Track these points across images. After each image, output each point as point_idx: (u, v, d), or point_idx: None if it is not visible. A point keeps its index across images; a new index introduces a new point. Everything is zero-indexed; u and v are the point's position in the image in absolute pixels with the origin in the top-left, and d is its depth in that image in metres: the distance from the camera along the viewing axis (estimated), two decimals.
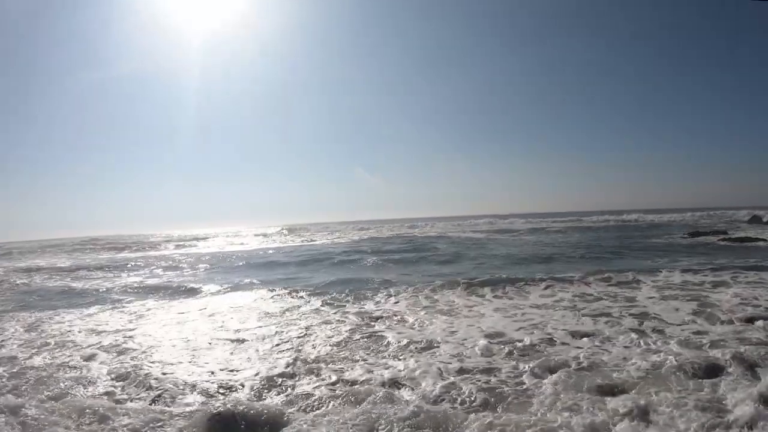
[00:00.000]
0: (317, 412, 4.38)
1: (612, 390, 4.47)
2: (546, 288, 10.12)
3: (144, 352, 6.56)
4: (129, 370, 5.71)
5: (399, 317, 8.17)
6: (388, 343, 6.59)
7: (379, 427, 3.92)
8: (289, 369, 5.58)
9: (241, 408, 4.35)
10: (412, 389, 4.86)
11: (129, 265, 20.70)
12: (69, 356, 6.46)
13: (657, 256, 15.72)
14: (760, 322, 6.55)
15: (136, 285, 13.82)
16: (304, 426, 4.05)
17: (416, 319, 7.91)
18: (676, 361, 5.03)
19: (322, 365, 5.71)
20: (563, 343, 6.23)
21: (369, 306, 9.20)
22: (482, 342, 6.36)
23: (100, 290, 13.06)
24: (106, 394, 5.03)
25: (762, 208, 35.07)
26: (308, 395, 4.79)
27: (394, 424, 3.94)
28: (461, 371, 5.28)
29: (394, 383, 5.04)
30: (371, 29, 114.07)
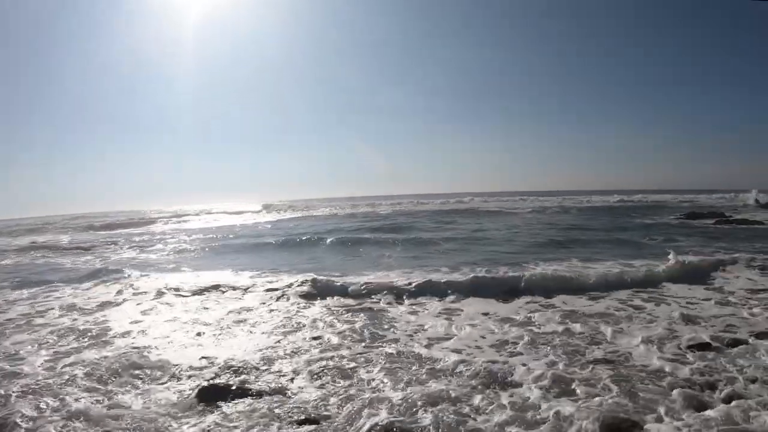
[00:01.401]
0: (301, 385, 4.49)
1: None
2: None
3: (130, 331, 6.58)
4: (124, 350, 5.80)
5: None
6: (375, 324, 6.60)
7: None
8: (274, 349, 5.60)
9: (228, 380, 4.58)
10: None
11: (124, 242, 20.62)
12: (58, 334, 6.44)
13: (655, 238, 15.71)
14: None
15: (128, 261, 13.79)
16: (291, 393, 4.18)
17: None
18: None
19: (304, 347, 5.73)
20: None
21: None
22: None
23: (90, 267, 13.13)
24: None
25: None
26: (294, 371, 4.86)
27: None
28: None
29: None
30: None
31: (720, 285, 8.20)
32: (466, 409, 3.81)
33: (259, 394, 4.27)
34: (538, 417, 3.67)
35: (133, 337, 6.21)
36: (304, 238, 18.27)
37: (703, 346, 5.11)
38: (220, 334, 6.27)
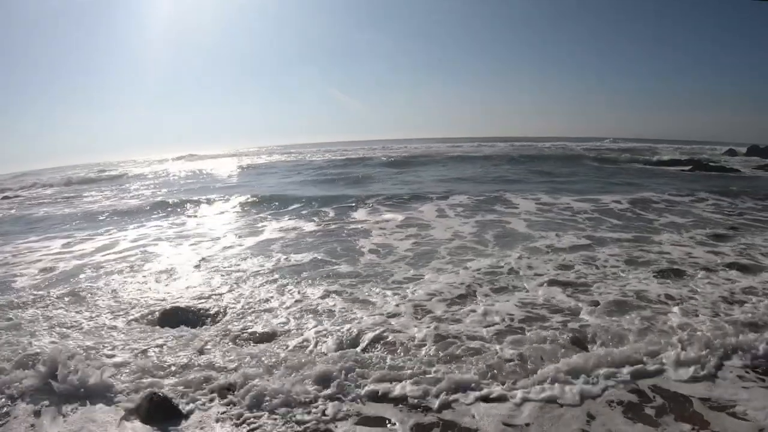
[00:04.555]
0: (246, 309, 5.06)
1: None
2: None
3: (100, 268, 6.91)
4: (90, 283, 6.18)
5: None
6: None
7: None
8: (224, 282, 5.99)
9: (187, 304, 5.19)
10: None
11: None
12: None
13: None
14: None
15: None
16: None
17: None
18: None
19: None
20: None
21: None
22: None
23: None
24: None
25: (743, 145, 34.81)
26: (238, 299, 5.36)
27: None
28: None
29: None
30: None
31: None
32: None
33: None
34: None
35: None
36: None
37: None
38: None
